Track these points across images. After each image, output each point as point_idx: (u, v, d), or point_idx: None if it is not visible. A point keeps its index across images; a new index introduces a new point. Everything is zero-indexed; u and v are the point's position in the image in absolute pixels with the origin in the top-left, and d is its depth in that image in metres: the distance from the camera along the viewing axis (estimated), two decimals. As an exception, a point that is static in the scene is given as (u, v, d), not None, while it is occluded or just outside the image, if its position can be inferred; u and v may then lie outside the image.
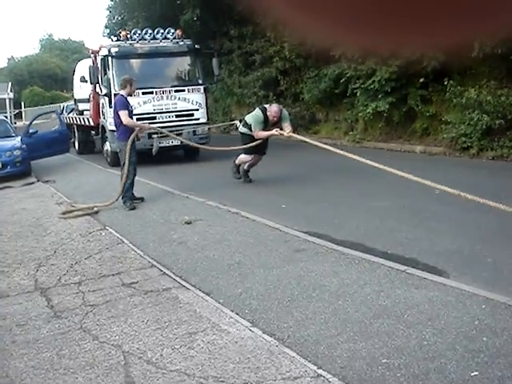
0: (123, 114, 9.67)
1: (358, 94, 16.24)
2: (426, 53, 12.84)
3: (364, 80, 15.76)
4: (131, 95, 10.20)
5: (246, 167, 11.16)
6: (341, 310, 4.80)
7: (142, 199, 10.00)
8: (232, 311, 4.91)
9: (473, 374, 3.60)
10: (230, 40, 22.95)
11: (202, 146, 12.78)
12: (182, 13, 22.66)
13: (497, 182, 9.70)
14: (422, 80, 14.56)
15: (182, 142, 13.45)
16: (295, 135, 10.24)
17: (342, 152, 7.25)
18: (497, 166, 11.83)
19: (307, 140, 9.19)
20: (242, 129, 10.90)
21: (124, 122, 9.63)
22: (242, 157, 11.01)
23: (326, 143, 9.62)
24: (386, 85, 15.06)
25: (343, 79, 16.60)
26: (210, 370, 3.86)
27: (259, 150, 10.67)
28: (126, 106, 9.81)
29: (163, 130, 11.74)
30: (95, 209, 9.53)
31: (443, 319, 4.41)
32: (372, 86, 15.36)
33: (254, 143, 10.35)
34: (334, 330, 4.40)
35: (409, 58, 13.54)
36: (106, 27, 31.75)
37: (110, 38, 30.26)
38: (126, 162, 9.50)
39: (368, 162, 6.41)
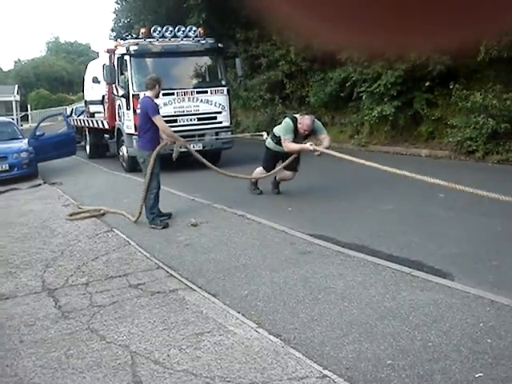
0: (159, 120, 8.51)
1: (363, 98, 16.26)
2: (432, 56, 12.92)
3: (370, 83, 15.78)
4: (157, 97, 8.87)
5: (277, 178, 10.18)
6: (346, 311, 4.83)
7: (169, 215, 8.83)
8: (238, 312, 4.95)
9: (477, 376, 3.63)
10: (235, 43, 22.92)
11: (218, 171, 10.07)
12: (188, 16, 22.72)
13: (502, 185, 9.69)
14: (427, 84, 14.60)
15: (204, 147, 12.92)
16: (331, 152, 8.46)
17: (375, 165, 6.80)
18: (502, 170, 11.83)
19: (348, 157, 7.56)
20: (268, 143, 10.00)
21: (161, 129, 8.50)
22: (258, 171, 10.11)
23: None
24: (392, 88, 15.08)
25: (349, 83, 16.62)
26: (217, 370, 3.90)
27: (290, 166, 9.56)
28: (158, 110, 8.64)
29: (194, 153, 9.65)
30: (102, 211, 9.52)
31: (448, 321, 4.44)
32: (378, 90, 15.37)
33: (287, 161, 9.28)
34: (340, 331, 4.44)
35: (415, 62, 13.62)
36: (113, 30, 31.93)
37: (116, 40, 30.41)
38: (148, 174, 8.36)
39: (401, 172, 6.32)
